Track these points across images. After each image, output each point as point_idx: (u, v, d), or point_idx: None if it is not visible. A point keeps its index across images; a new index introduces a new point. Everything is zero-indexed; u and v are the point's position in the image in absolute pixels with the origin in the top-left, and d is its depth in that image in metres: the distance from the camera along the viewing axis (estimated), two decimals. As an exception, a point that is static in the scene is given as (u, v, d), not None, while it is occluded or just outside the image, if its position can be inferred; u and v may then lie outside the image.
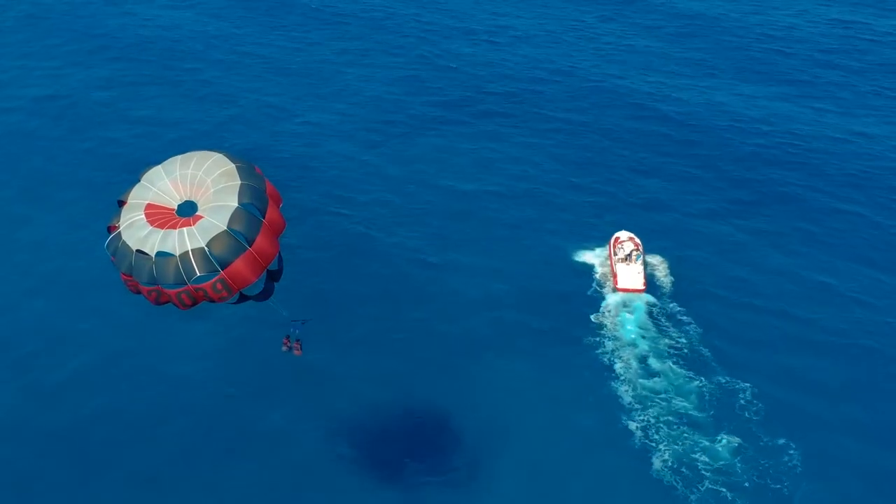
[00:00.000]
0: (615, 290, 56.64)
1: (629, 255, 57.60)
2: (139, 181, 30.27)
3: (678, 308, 55.24)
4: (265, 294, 29.31)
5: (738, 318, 54.98)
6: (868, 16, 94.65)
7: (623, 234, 60.19)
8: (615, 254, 58.43)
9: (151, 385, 49.67)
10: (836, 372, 50.91)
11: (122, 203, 29.89)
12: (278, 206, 29.25)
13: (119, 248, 28.68)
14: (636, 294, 55.97)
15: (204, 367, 50.92)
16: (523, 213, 64.63)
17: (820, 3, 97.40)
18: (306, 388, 48.98)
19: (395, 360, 51.16)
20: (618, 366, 51.01)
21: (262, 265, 28.14)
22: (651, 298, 55.89)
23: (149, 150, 68.24)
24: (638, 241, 59.66)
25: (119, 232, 28.94)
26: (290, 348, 35.39)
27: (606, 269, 58.24)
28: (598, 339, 53.08)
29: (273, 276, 29.24)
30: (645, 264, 57.90)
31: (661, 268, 58.62)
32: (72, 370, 50.44)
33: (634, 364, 51.06)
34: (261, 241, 27.98)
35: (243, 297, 29.03)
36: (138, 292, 29.30)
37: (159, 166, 30.38)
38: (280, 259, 29.03)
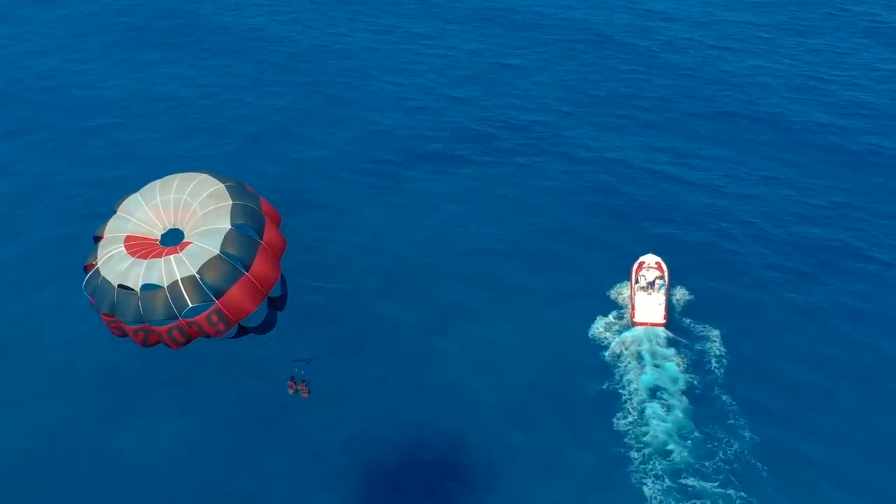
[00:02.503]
0: (632, 324, 50.64)
1: (652, 282, 51.54)
2: (115, 213, 27.27)
3: (723, 394, 46.24)
4: (267, 325, 26.16)
5: (809, 412, 45.34)
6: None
7: (649, 259, 53.72)
8: (636, 281, 52.17)
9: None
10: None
11: (97, 239, 26.84)
12: (278, 226, 26.30)
13: (98, 286, 25.50)
14: (655, 329, 50.14)
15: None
16: (530, 269, 56.99)
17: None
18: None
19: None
20: (648, 486, 41.92)
21: (262, 292, 25.06)
22: (687, 376, 47.22)
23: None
24: (665, 267, 53.29)
25: (97, 268, 25.78)
26: (297, 391, 32.54)
27: (622, 349, 49.72)
28: (622, 449, 43.93)
29: (275, 304, 26.13)
30: (669, 295, 51.84)
31: (707, 342, 49.94)
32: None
33: (667, 481, 41.85)
34: (259, 264, 24.94)
35: (242, 331, 25.86)
36: (124, 335, 26.04)
37: (136, 194, 27.40)
38: (284, 283, 25.97)
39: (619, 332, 50.98)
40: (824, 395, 46.91)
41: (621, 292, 53.79)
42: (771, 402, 46.25)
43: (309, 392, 32.70)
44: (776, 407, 46.00)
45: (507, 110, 76.58)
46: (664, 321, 50.36)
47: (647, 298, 51.18)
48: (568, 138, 72.00)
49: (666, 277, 52.73)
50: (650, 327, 50.22)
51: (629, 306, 51.89)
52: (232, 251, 24.66)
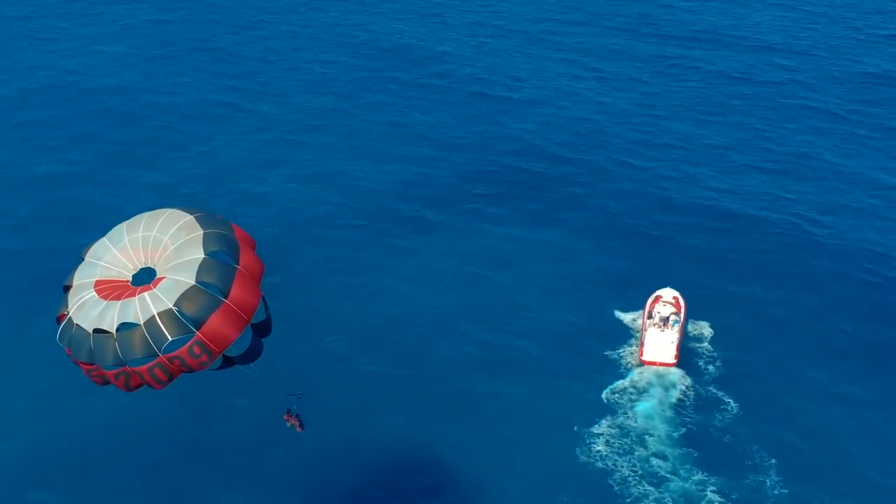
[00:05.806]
0: (640, 362, 46.68)
1: (667, 318, 47.69)
2: (82, 260, 26.47)
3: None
4: (252, 354, 25.25)
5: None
6: None
7: (666, 293, 49.65)
8: (650, 316, 48.15)
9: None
10: None
11: (67, 288, 25.97)
12: (253, 249, 25.58)
13: (74, 335, 24.55)
14: (666, 370, 46.21)
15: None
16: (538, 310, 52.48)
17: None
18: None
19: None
20: None
21: (243, 318, 24.22)
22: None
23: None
24: (683, 303, 49.14)
25: (69, 318, 24.88)
26: (293, 424, 31.65)
27: (625, 455, 42.64)
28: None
29: (259, 330, 25.29)
30: (683, 333, 47.87)
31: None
32: None
33: None
34: (238, 290, 24.13)
35: (227, 361, 24.97)
36: (106, 382, 25.03)
37: (103, 238, 26.66)
38: (266, 307, 25.15)
39: (625, 374, 46.83)
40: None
41: (633, 329, 49.99)
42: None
43: (302, 426, 31.73)
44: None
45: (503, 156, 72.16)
46: (675, 361, 46.47)
47: (658, 336, 47.16)
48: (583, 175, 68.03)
49: (682, 314, 48.90)
50: (660, 367, 46.62)
51: (638, 343, 48.09)
52: (209, 279, 23.88)
